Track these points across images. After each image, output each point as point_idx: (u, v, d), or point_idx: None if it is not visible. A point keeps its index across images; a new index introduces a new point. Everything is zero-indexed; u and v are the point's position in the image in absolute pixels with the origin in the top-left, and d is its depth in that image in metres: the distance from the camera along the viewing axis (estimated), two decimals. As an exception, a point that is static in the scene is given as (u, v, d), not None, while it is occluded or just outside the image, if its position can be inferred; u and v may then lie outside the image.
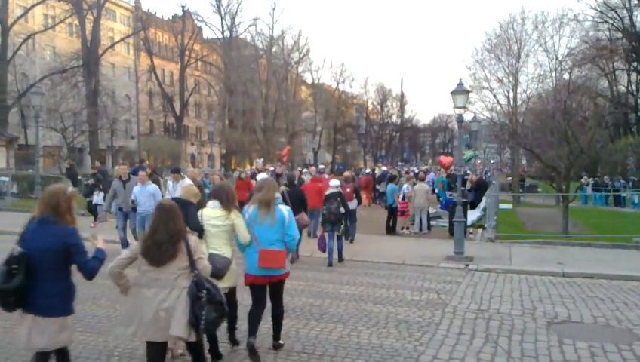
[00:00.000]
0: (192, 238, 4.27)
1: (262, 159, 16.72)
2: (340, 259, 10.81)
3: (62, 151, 38.38)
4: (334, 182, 11.34)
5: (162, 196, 10.83)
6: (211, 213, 5.24)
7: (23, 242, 3.92)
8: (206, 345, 4.85)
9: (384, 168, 30.88)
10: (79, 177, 21.88)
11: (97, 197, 15.21)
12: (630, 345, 5.83)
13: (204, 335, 4.54)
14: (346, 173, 15.80)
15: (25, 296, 3.81)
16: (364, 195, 22.17)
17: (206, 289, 4.07)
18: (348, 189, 13.13)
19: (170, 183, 11.30)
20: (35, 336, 3.85)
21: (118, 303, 7.14)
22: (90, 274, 3.99)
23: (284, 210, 5.45)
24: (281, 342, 5.63)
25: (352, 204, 13.13)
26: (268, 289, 5.39)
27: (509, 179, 38.01)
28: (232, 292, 5.28)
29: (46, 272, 3.87)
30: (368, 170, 30.35)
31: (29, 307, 3.86)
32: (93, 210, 15.58)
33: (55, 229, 3.90)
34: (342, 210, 10.56)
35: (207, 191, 12.01)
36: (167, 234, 4.10)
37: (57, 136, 36.87)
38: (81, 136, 39.04)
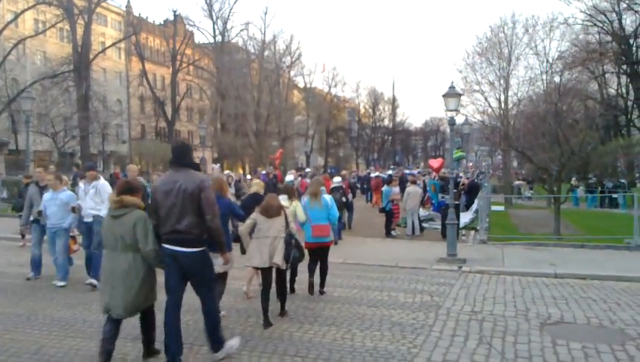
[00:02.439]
0: (287, 210, 7.00)
1: (218, 165, 14.84)
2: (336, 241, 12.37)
3: (52, 156, 38.19)
4: (337, 178, 15.33)
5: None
6: (283, 203, 7.33)
7: None
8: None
9: (389, 172, 31.00)
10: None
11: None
12: (623, 345, 5.83)
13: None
14: (343, 172, 19.95)
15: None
16: (375, 196, 23.02)
17: (294, 239, 6.77)
18: (343, 186, 15.56)
19: (81, 185, 8.96)
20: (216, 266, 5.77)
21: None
22: (242, 219, 6.87)
23: (328, 198, 8.30)
24: (324, 290, 8.16)
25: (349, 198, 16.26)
26: (317, 253, 8.07)
27: (519, 182, 37.51)
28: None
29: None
30: (377, 173, 30.39)
31: (211, 248, 5.48)
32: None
33: (223, 201, 6.25)
34: (343, 199, 14.39)
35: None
36: (275, 202, 6.80)
37: (48, 141, 36.67)
38: (72, 140, 38.81)
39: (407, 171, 34.16)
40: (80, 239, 9.48)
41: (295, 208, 7.66)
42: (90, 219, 8.68)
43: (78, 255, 9.65)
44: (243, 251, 7.03)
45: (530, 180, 38.07)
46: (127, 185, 5.41)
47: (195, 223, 5.09)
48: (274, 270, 6.66)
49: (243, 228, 6.71)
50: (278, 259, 6.50)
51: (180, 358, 5.06)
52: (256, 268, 6.95)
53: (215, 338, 5.30)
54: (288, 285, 7.70)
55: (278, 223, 6.65)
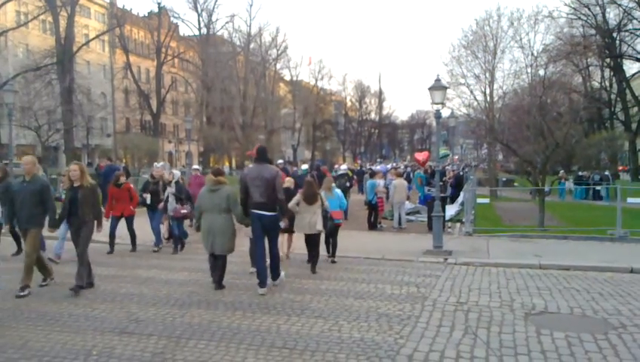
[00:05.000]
0: (321, 194, 9.70)
1: (161, 163, 12.74)
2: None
3: (36, 150, 37.74)
4: (344, 166, 20.05)
5: None
6: None
7: None
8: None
9: (389, 165, 31.19)
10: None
11: None
12: (606, 334, 5.92)
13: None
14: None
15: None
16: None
17: (329, 213, 9.74)
18: (348, 173, 19.22)
19: None
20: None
21: (95, 302, 7.11)
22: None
23: (338, 191, 10.82)
24: (335, 260, 10.31)
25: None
26: (331, 231, 10.19)
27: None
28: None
29: None
30: (379, 167, 30.55)
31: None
32: None
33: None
34: (347, 184, 17.71)
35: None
36: (313, 191, 9.49)
37: (32, 134, 36.17)
38: (55, 134, 38.30)
39: (377, 167, 34.25)
40: None
41: (322, 197, 9.83)
42: None
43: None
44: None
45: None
46: (219, 171, 8.39)
47: (272, 197, 7.80)
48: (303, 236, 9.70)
49: (291, 204, 9.16)
50: (320, 227, 9.40)
51: (265, 273, 7.80)
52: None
53: (275, 272, 8.12)
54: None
55: (316, 205, 9.40)
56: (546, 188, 28.36)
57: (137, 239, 11.71)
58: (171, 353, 5.29)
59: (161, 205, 11.56)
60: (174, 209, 11.45)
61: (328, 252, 10.35)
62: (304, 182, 10.04)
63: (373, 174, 17.32)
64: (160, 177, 11.92)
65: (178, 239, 11.61)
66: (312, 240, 9.56)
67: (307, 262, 9.69)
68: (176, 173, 12.52)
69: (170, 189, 11.65)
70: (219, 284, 7.94)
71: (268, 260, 8.05)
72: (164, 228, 12.31)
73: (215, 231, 7.79)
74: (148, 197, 11.71)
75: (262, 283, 7.70)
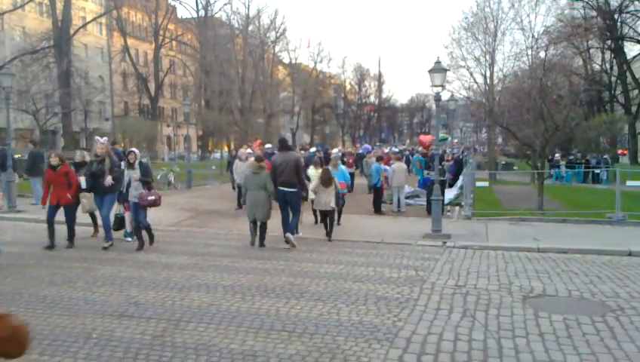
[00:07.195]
0: (335, 179, 11.38)
1: (104, 138, 10.91)
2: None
3: (34, 134, 37.66)
4: (335, 150, 22.33)
5: None
6: (312, 171, 12.88)
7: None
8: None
9: (395, 149, 31.18)
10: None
11: None
12: (603, 317, 5.95)
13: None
14: (349, 149, 27.15)
15: None
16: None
17: (340, 193, 11.91)
18: (350, 160, 22.65)
19: None
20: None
21: (94, 286, 7.12)
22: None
23: (343, 167, 13.88)
24: (340, 222, 12.79)
25: (351, 169, 20.90)
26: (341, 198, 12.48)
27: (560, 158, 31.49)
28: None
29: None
30: (388, 149, 30.59)
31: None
32: None
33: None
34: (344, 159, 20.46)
35: None
36: (329, 176, 11.20)
37: (29, 118, 36.06)
38: (53, 118, 38.20)
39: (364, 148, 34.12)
40: None
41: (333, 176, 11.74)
42: None
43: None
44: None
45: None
46: (260, 158, 10.86)
47: (294, 177, 10.16)
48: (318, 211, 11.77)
49: (311, 187, 11.49)
50: (333, 205, 11.14)
51: (289, 229, 10.16)
52: (320, 210, 11.48)
53: (293, 227, 10.32)
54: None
55: (330, 188, 11.08)
56: (564, 173, 28.44)
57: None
58: (171, 336, 5.31)
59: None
60: (140, 195, 9.76)
61: (339, 218, 12.69)
62: (322, 170, 11.80)
63: (380, 158, 17.18)
64: (105, 155, 9.96)
65: (146, 230, 10.05)
66: (326, 215, 11.30)
67: (324, 228, 11.42)
68: (137, 151, 10.61)
69: (133, 173, 9.93)
70: (261, 244, 10.18)
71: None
72: (127, 221, 10.55)
73: (257, 204, 10.10)
74: (82, 179, 10.14)
75: (286, 231, 10.11)
